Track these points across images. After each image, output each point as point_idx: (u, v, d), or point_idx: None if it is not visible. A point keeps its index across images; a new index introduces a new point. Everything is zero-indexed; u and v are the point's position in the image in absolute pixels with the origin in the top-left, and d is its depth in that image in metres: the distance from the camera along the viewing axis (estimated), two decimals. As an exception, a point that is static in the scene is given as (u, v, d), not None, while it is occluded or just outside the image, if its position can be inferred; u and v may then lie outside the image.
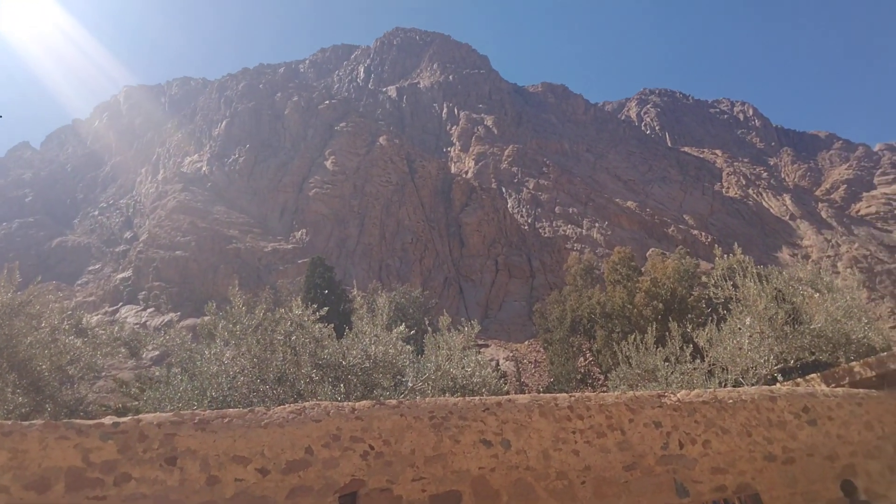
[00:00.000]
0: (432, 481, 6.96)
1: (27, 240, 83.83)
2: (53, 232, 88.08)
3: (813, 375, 12.41)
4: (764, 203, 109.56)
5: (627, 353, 16.59)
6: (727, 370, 14.21)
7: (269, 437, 6.52)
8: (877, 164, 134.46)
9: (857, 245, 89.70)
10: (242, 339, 12.16)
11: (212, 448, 6.24)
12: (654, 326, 17.28)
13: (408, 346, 13.36)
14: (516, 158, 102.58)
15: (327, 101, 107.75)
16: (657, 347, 15.91)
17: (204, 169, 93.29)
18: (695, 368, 14.74)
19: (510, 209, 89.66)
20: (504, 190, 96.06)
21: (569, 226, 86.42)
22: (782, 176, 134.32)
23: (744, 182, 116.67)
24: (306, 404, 7.00)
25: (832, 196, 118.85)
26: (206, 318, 13.28)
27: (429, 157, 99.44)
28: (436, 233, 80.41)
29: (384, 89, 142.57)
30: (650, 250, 70.57)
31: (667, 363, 15.34)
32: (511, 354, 51.92)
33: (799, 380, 12.59)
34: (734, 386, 13.61)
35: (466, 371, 13.42)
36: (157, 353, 40.11)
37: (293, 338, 12.40)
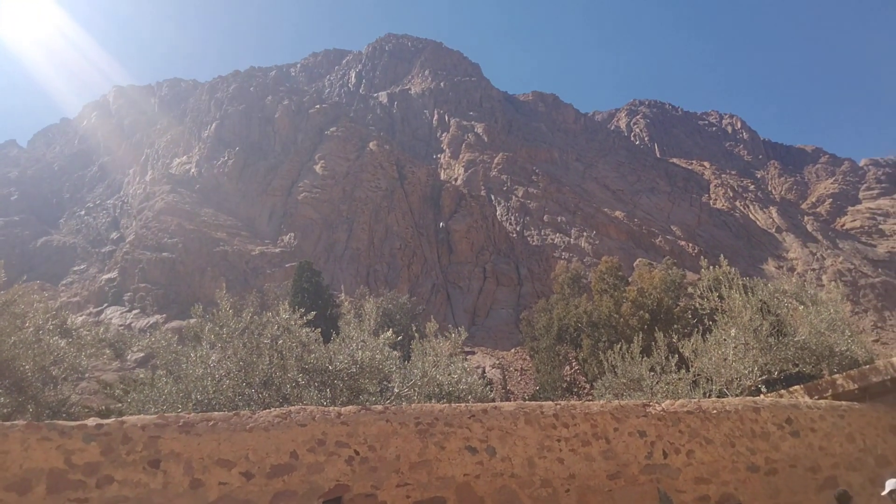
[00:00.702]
0: (417, 487, 6.96)
1: (12, 239, 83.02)
2: (39, 231, 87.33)
3: (796, 387, 12.51)
4: (750, 215, 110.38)
5: (613, 363, 16.67)
6: (712, 381, 14.30)
7: (253, 440, 6.50)
8: (862, 178, 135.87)
9: (841, 259, 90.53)
10: (229, 342, 12.12)
11: (196, 451, 6.22)
12: (640, 336, 17.36)
13: (394, 352, 13.36)
14: (506, 166, 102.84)
15: (318, 106, 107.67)
16: (643, 357, 16.00)
17: (193, 171, 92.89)
18: (680, 378, 14.83)
19: (499, 217, 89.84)
20: (493, 197, 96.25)
21: (557, 234, 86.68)
22: (769, 189, 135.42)
23: (731, 194, 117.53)
24: (292, 409, 6.98)
25: (818, 210, 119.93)
26: (192, 321, 13.24)
27: (419, 163, 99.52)
28: (424, 239, 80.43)
29: (375, 95, 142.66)
30: (637, 260, 70.94)
31: (652, 373, 15.42)
32: (497, 362, 51.95)
33: (782, 391, 12.69)
34: (718, 396, 13.70)
35: (453, 378, 13.43)
36: (141, 354, 39.80)
37: (280, 342, 12.37)
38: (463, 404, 7.98)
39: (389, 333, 13.53)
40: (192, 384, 11.75)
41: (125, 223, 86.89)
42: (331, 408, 7.20)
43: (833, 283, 19.54)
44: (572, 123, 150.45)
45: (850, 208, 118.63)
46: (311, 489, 6.49)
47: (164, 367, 12.95)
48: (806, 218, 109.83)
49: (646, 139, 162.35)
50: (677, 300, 36.27)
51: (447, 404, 7.87)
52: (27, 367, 13.49)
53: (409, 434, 7.25)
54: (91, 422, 6.08)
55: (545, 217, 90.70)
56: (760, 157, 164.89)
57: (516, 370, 50.67)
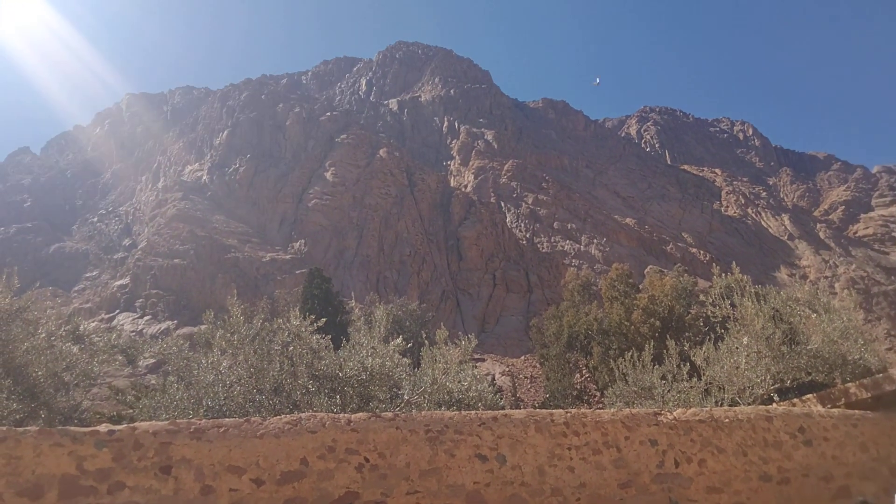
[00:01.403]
0: (427, 495, 6.95)
1: (25, 245, 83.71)
2: (51, 238, 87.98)
3: (809, 396, 12.42)
4: (762, 222, 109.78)
5: (624, 371, 16.57)
6: (724, 389, 14.19)
7: (264, 447, 6.51)
8: (874, 185, 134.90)
9: (854, 266, 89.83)
10: (239, 348, 12.14)
11: (207, 457, 6.23)
12: (651, 344, 17.25)
13: (404, 359, 13.34)
14: (516, 173, 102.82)
15: (329, 113, 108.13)
16: (654, 365, 15.89)
17: (204, 178, 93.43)
18: (691, 387, 14.72)
19: (509, 224, 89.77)
20: (503, 204, 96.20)
21: (567, 241, 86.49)
22: (781, 196, 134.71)
23: (742, 201, 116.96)
24: (302, 415, 6.99)
25: (830, 217, 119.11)
26: (203, 327, 13.29)
27: (428, 170, 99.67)
28: (434, 246, 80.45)
29: (385, 102, 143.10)
30: (648, 267, 70.62)
31: (663, 381, 15.31)
32: (507, 369, 51.82)
33: (795, 400, 12.59)
34: (731, 405, 13.60)
35: (462, 385, 13.39)
36: (153, 361, 39.96)
37: (290, 348, 12.39)
38: (473, 412, 7.96)
39: (399, 340, 13.53)
40: (204, 390, 11.78)
41: (137, 230, 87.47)
42: (341, 415, 7.21)
43: (846, 290, 19.41)
44: (582, 130, 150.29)
45: (862, 215, 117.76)
46: (320, 496, 6.49)
47: (175, 373, 12.99)
48: (818, 225, 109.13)
49: (656, 146, 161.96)
50: (689, 308, 36.06)
51: (457, 412, 7.86)
52: (40, 373, 13.57)
53: (419, 441, 7.24)
54: (103, 428, 6.11)
55: (555, 224, 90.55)
56: (772, 163, 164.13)
57: (526, 378, 50.51)
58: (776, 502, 8.98)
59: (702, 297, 18.76)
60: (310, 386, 12.19)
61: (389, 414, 7.46)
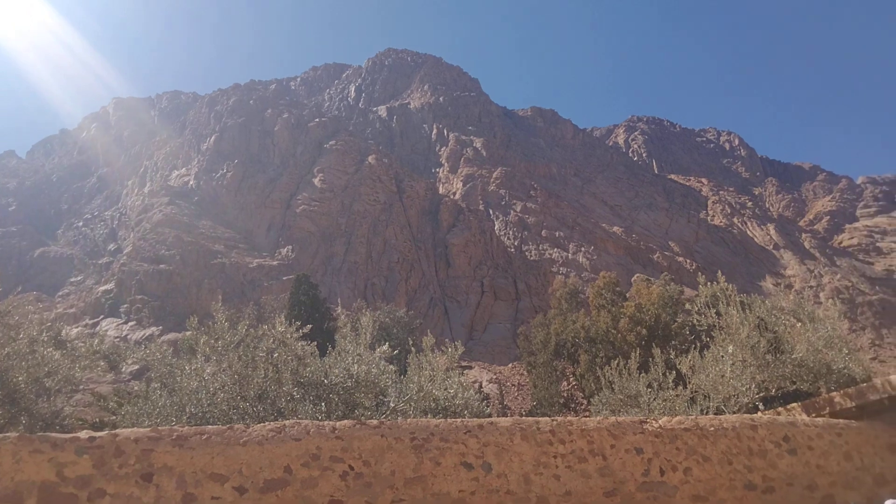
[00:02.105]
0: (411, 503, 6.90)
1: (9, 249, 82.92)
2: (36, 242, 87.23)
3: (794, 405, 12.47)
4: (748, 232, 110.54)
5: (610, 379, 16.59)
6: (709, 397, 14.23)
7: (247, 455, 6.45)
8: (859, 196, 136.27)
9: (839, 276, 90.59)
10: (224, 355, 12.05)
11: (189, 465, 6.16)
12: (638, 352, 17.28)
13: (391, 366, 13.28)
14: (504, 181, 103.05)
15: (317, 119, 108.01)
16: (640, 373, 15.92)
17: (191, 183, 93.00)
18: (677, 395, 14.75)
19: (497, 231, 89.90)
20: (491, 212, 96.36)
21: (555, 249, 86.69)
22: (767, 206, 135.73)
23: (729, 211, 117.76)
24: (286, 423, 6.93)
25: (815, 227, 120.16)
26: (187, 333, 13.18)
27: (417, 177, 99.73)
28: (422, 253, 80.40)
29: (374, 109, 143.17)
30: (635, 276, 70.86)
31: (649, 389, 15.34)
32: (494, 377, 51.77)
33: (780, 409, 12.64)
34: (716, 413, 13.64)
35: (449, 393, 13.35)
36: (136, 367, 39.61)
37: (275, 355, 12.31)
38: (459, 420, 7.93)
39: (386, 347, 13.47)
40: (187, 397, 11.67)
41: (123, 235, 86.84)
42: (325, 422, 7.15)
43: (831, 300, 19.54)
44: (571, 139, 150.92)
45: (847, 226, 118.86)
46: (304, 504, 6.43)
47: (158, 379, 12.87)
48: (803, 235, 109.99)
49: (644, 155, 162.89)
50: (675, 316, 36.17)
51: (443, 419, 7.82)
52: (21, 378, 13.40)
53: (405, 449, 7.20)
54: (84, 434, 6.03)
55: (543, 232, 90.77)
56: (758, 174, 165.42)
57: (513, 385, 50.47)
58: (761, 511, 8.99)
59: (688, 306, 18.83)
60: (294, 393, 12.11)
61: (375, 421, 7.42)
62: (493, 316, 71.12)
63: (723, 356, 14.67)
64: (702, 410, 13.98)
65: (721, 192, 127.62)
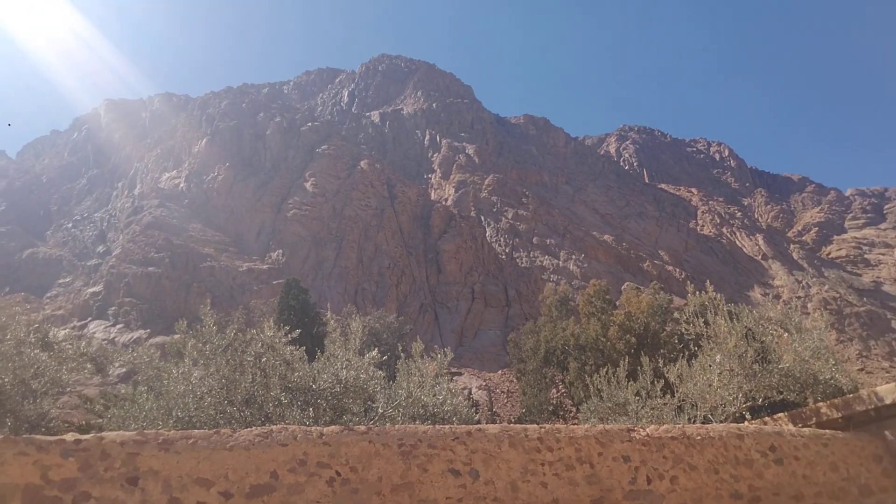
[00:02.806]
0: (398, 510, 6.89)
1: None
2: (25, 243, 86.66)
3: (780, 415, 12.51)
4: (737, 242, 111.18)
5: (599, 386, 16.62)
6: (696, 406, 14.27)
7: (233, 459, 6.42)
8: (848, 208, 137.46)
9: (827, 287, 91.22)
10: (212, 359, 11.99)
11: (175, 469, 6.13)
12: (627, 360, 17.33)
13: (380, 372, 13.24)
14: (496, 188, 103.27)
15: (310, 124, 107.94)
16: (629, 381, 15.95)
17: (182, 185, 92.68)
18: (665, 403, 14.78)
19: (488, 238, 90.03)
20: (483, 219, 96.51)
21: (546, 257, 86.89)
22: (756, 216, 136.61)
23: (718, 221, 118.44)
24: (273, 427, 6.91)
25: (804, 238, 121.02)
26: (175, 337, 13.13)
27: (409, 183, 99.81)
28: (413, 259, 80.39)
29: (367, 114, 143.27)
30: (625, 284, 71.14)
31: (637, 397, 15.37)
32: (484, 384, 51.77)
33: (767, 419, 12.68)
34: (703, 422, 13.68)
35: (438, 399, 13.33)
36: (124, 370, 39.39)
37: (263, 359, 12.25)
38: (447, 426, 7.92)
39: (375, 353, 13.43)
40: (174, 401, 11.60)
41: (112, 237, 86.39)
42: (313, 427, 7.13)
43: (818, 311, 19.66)
44: (562, 147, 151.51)
45: (835, 237, 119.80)
46: (290, 510, 6.40)
47: (145, 382, 12.79)
48: (792, 246, 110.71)
49: (635, 164, 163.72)
50: (664, 325, 36.29)
51: (431, 426, 7.81)
52: (6, 380, 13.29)
53: (392, 455, 7.18)
54: (69, 437, 5.99)
55: (534, 239, 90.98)
56: (747, 184, 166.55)
57: (503, 392, 50.49)
58: (746, 520, 9.02)
59: (676, 315, 18.90)
60: (282, 398, 12.06)
61: (362, 427, 7.40)
62: (484, 322, 71.15)
63: (710, 365, 14.71)
64: (689, 419, 14.02)
65: (711, 202, 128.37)
